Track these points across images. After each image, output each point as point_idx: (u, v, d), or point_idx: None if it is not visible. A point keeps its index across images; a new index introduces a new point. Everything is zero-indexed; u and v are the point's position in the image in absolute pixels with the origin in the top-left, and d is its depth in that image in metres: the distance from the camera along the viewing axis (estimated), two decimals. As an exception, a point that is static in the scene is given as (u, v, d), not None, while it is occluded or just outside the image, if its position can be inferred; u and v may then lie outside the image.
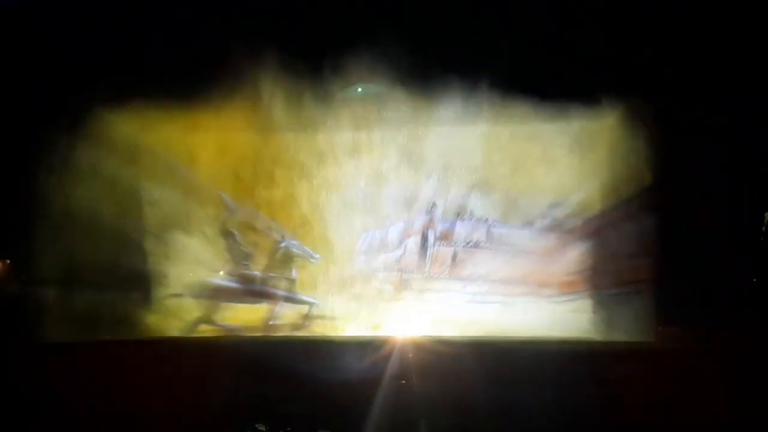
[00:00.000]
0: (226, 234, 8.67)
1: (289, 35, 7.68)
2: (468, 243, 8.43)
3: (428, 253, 8.51)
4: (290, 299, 8.59)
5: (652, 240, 7.44)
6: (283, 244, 8.68)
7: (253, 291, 8.63)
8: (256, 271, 8.71)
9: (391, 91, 7.96)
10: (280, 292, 8.60)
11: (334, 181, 8.56)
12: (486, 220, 8.39)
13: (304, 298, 8.57)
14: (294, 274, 8.67)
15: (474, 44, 7.48)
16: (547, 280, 8.13)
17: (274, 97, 8.07)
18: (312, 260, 8.59)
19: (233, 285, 8.63)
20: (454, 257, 8.43)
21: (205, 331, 8.37)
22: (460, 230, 8.44)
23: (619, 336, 7.46)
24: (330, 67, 7.85)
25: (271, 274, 8.69)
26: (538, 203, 8.25)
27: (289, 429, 5.65)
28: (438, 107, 8.10)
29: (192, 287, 8.48)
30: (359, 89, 8.17)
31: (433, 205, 8.53)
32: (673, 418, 5.90)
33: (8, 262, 8.94)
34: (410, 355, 7.06)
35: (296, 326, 8.43)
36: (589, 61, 7.47)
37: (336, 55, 7.78)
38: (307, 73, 7.89)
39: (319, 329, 8.38)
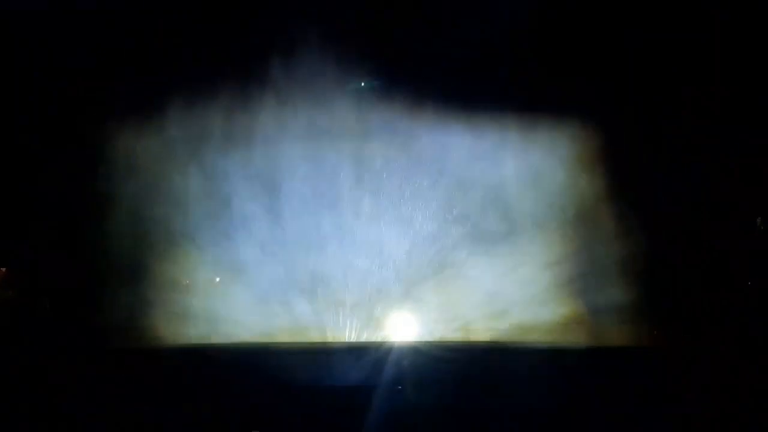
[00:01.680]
0: None
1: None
2: (457, 249, 8.48)
3: (418, 258, 8.57)
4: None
5: (641, 245, 7.54)
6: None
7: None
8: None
9: (385, 97, 8.10)
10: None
11: (326, 187, 8.66)
12: (477, 227, 8.45)
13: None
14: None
15: (448, 56, 7.61)
16: (538, 285, 8.18)
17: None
18: None
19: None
20: (443, 263, 8.49)
21: (203, 338, 8.41)
22: (451, 236, 8.49)
23: (611, 340, 7.52)
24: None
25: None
26: (528, 210, 8.30)
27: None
28: (427, 112, 8.20)
29: (192, 293, 8.54)
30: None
31: (425, 210, 8.60)
32: (661, 421, 5.96)
33: (7, 270, 9.00)
34: (405, 361, 7.13)
35: (292, 332, 8.49)
36: (565, 75, 7.56)
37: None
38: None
39: (316, 335, 8.44)
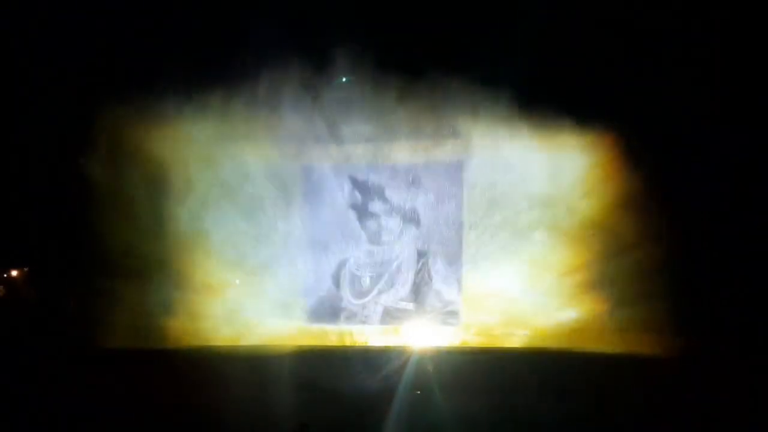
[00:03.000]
0: None
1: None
2: (473, 255, 8.47)
3: (436, 266, 8.58)
4: None
5: (654, 252, 7.48)
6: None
7: None
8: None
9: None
10: None
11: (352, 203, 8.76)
12: (499, 234, 8.43)
13: None
14: None
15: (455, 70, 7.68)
16: (551, 292, 8.14)
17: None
18: None
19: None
20: (460, 269, 8.50)
21: (229, 340, 8.44)
22: (465, 243, 8.49)
23: (627, 346, 7.50)
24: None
25: None
26: (540, 216, 8.25)
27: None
28: (443, 116, 8.26)
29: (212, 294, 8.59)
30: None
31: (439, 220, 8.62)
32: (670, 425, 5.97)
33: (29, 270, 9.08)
34: (427, 366, 7.17)
35: (316, 336, 8.53)
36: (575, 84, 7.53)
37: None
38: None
39: (337, 340, 8.48)
